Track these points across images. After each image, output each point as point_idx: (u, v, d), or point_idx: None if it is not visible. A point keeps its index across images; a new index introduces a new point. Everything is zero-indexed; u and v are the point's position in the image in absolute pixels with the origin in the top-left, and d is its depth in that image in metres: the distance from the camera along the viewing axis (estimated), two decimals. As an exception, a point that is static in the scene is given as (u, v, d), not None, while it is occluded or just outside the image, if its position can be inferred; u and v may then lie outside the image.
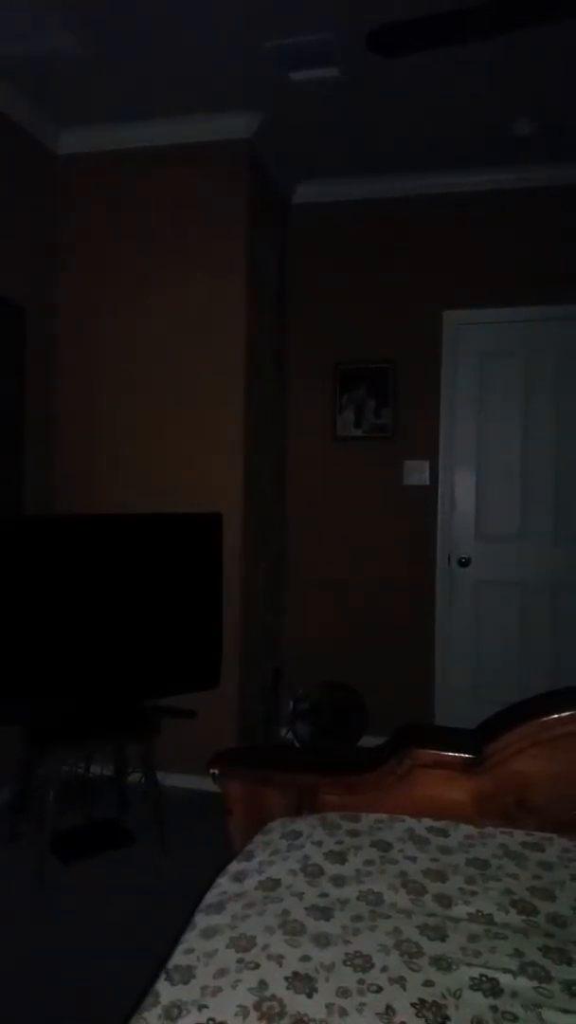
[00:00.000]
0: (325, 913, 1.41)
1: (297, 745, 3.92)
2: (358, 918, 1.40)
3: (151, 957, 2.16)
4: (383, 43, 2.16)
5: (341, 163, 3.94)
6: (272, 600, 4.10)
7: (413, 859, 1.63)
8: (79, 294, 3.72)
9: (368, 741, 3.85)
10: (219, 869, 1.72)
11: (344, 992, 1.19)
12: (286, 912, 1.42)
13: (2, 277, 3.31)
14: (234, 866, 1.65)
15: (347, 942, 1.32)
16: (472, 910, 1.44)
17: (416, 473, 4.11)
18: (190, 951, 1.33)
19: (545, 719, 1.83)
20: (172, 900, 2.55)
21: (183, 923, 1.51)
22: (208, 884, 1.62)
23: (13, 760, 3.14)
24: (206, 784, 3.08)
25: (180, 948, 1.35)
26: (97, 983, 2.20)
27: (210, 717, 3.35)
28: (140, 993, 1.27)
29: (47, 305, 3.66)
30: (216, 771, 2.04)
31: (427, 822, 1.80)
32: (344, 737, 3.80)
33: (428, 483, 4.10)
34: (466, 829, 1.77)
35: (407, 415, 4.12)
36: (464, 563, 4.07)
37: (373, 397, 4.16)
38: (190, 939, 1.37)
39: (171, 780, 3.41)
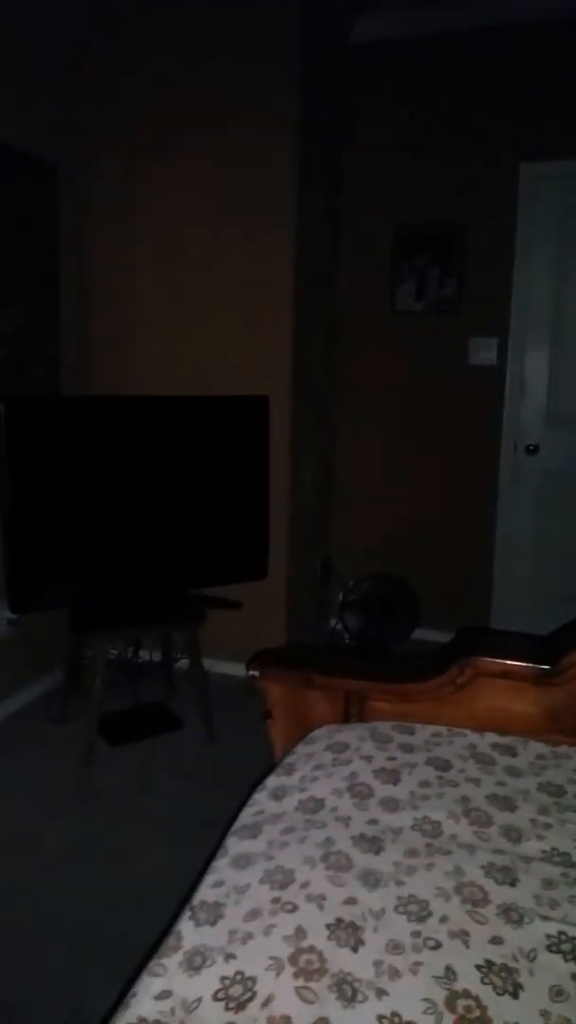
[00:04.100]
0: (374, 844, 1.24)
1: (346, 637, 3.78)
2: (412, 853, 1.22)
3: (195, 852, 2.11)
4: None
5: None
6: (321, 489, 3.87)
7: (476, 781, 1.44)
8: (113, 152, 3.33)
9: (420, 635, 3.69)
10: (264, 769, 1.58)
11: (396, 947, 1.02)
12: (329, 841, 1.24)
13: (30, 131, 2.94)
14: (272, 780, 1.49)
15: (400, 883, 1.14)
16: (546, 847, 1.24)
17: (483, 351, 3.73)
18: (219, 884, 1.17)
19: None
20: (217, 790, 2.53)
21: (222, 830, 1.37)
22: (243, 798, 1.46)
23: (64, 645, 3.08)
24: (252, 676, 3.01)
25: (208, 879, 1.19)
26: (141, 870, 2.14)
27: (258, 607, 3.20)
28: (161, 930, 1.12)
29: (79, 163, 3.28)
30: (255, 672, 1.87)
31: (491, 738, 1.61)
32: (395, 630, 3.63)
33: (495, 362, 3.72)
34: (537, 747, 1.57)
35: (475, 286, 3.70)
36: (532, 450, 3.75)
37: (437, 266, 3.74)
38: (220, 868, 1.21)
39: (220, 668, 3.31)
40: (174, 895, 1.89)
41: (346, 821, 1.30)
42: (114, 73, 3.30)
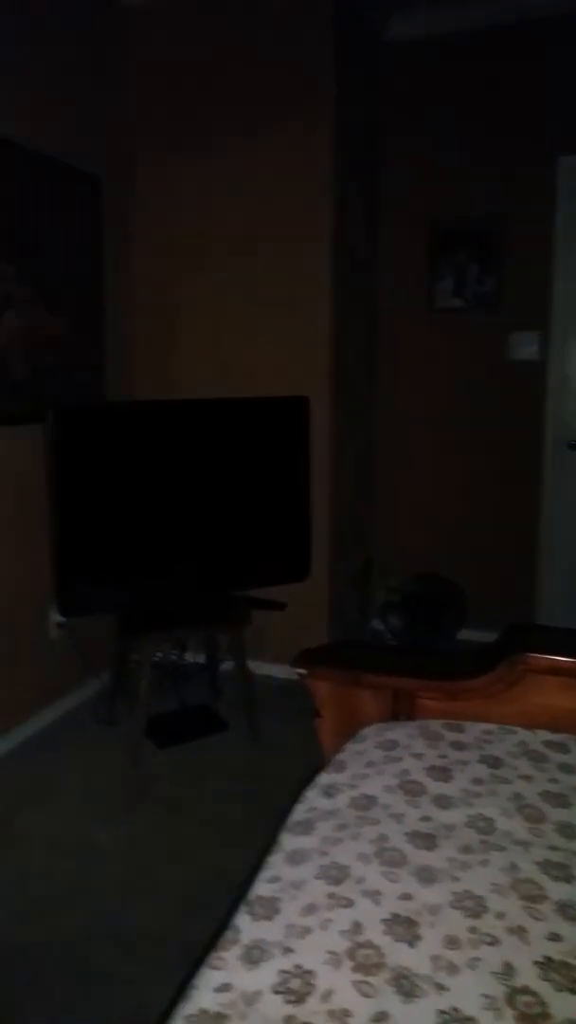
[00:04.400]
0: (428, 841, 1.24)
1: (389, 638, 3.77)
2: (467, 849, 1.22)
3: (243, 852, 2.14)
4: None
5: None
6: (362, 489, 3.87)
7: (528, 778, 1.43)
8: (152, 160, 3.38)
9: (464, 635, 3.66)
10: (311, 769, 1.58)
11: (452, 942, 1.02)
12: (383, 837, 1.25)
13: (74, 144, 3.00)
14: (324, 778, 1.49)
15: (455, 879, 1.14)
16: (602, 844, 1.23)
17: (524, 347, 3.70)
18: (275, 879, 1.18)
19: None
20: (263, 790, 2.55)
21: (273, 829, 1.38)
22: (295, 796, 1.47)
23: (111, 647, 3.15)
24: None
25: (264, 874, 1.20)
26: (189, 872, 2.16)
27: (300, 608, 3.21)
28: (218, 925, 1.14)
29: (121, 175, 3.32)
30: (303, 671, 1.88)
31: (543, 735, 1.59)
32: (439, 631, 3.61)
33: (537, 358, 3.68)
34: (589, 745, 1.55)
35: (514, 281, 3.67)
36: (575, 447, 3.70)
37: (475, 261, 3.72)
38: (275, 864, 1.22)
39: (263, 669, 3.33)
40: (223, 893, 1.92)
41: (399, 818, 1.30)
42: (152, 83, 3.35)
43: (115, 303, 3.31)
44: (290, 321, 3.30)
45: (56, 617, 3.00)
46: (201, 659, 3.38)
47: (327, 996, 0.94)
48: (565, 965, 0.98)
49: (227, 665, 3.28)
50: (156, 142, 3.37)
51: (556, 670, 1.67)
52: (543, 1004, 0.93)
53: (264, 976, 0.98)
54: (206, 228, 3.36)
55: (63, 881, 2.12)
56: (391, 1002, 0.93)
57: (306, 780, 1.53)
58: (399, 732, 1.63)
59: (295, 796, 1.47)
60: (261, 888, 1.16)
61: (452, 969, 0.97)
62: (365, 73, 3.53)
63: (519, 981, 0.95)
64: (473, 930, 1.04)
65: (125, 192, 3.35)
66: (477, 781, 1.42)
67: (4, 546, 2.77)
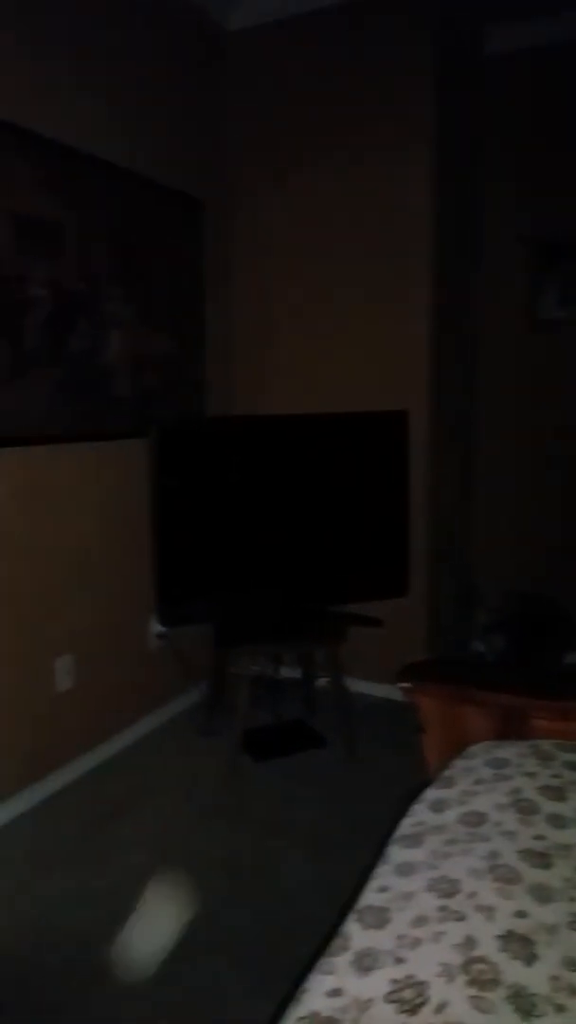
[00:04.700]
0: (543, 860, 1.19)
1: (490, 659, 3.68)
2: (584, 870, 1.17)
3: (340, 868, 2.13)
4: None
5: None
6: (461, 504, 3.81)
7: None
8: (252, 185, 3.46)
9: (572, 659, 3.54)
10: (410, 789, 1.56)
11: (572, 964, 0.98)
12: (494, 854, 1.21)
13: (178, 169, 3.11)
14: (432, 793, 1.47)
15: (572, 899, 1.10)
16: None
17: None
18: (384, 890, 1.16)
19: None
20: (360, 808, 2.52)
21: (374, 848, 1.37)
22: (400, 810, 1.45)
23: (209, 659, 3.20)
24: (395, 693, 2.96)
25: (372, 884, 1.19)
26: (286, 883, 2.16)
27: (398, 625, 3.17)
28: (328, 929, 1.13)
29: (222, 197, 3.43)
30: (407, 685, 1.85)
31: None
32: (543, 653, 3.50)
33: None
34: None
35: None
36: None
37: (581, 275, 3.63)
38: (384, 874, 1.21)
39: (357, 687, 3.31)
40: (319, 907, 1.91)
41: (511, 836, 1.27)
42: (252, 107, 3.43)
43: (215, 322, 3.40)
44: (388, 335, 3.29)
45: (156, 628, 3.08)
46: (296, 674, 3.38)
47: (441, 1008, 0.92)
48: None
49: (321, 681, 3.27)
50: (255, 164, 3.45)
51: None
52: None
53: (376, 984, 0.97)
54: (303, 247, 3.40)
55: (162, 886, 2.15)
56: (509, 1020, 0.90)
57: (410, 796, 1.51)
58: (509, 750, 1.58)
59: (397, 812, 1.46)
60: (370, 898, 1.15)
61: (573, 991, 0.93)
62: (466, 85, 3.52)
63: None
64: (594, 953, 0.99)
65: (226, 214, 3.45)
66: (593, 802, 1.36)
67: (109, 560, 2.86)
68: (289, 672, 3.42)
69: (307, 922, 1.91)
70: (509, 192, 3.69)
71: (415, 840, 1.29)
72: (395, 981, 0.97)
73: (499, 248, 3.74)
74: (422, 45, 3.11)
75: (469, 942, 1.02)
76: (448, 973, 0.97)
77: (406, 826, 1.36)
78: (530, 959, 0.99)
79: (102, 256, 2.73)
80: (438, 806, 1.40)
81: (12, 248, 2.35)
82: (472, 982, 0.96)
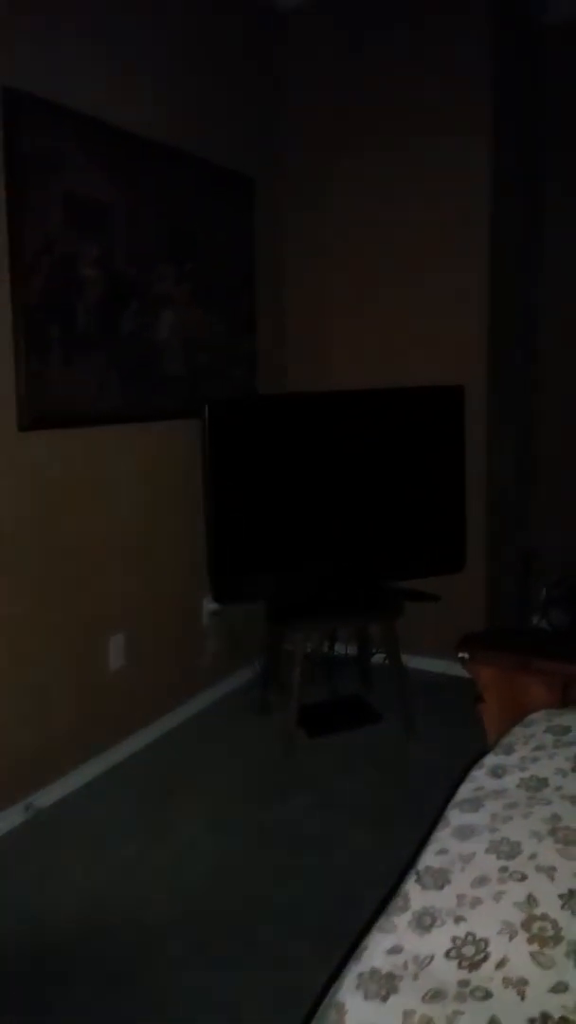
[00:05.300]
0: (606, 823, 1.17)
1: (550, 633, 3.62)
2: None
3: (399, 838, 2.12)
4: None
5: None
6: (520, 477, 3.73)
7: None
8: (304, 162, 3.43)
9: None
10: (469, 759, 1.55)
11: None
12: (556, 817, 1.20)
13: (231, 148, 3.10)
14: (491, 759, 1.45)
15: None
16: None
17: None
18: (443, 852, 1.16)
19: None
20: (416, 782, 2.51)
21: (433, 815, 1.36)
22: (459, 777, 1.44)
23: (263, 637, 3.20)
24: (452, 669, 2.94)
25: (431, 847, 1.18)
26: (342, 855, 2.16)
27: (456, 601, 3.14)
28: (387, 891, 1.13)
29: (274, 176, 3.39)
30: (466, 655, 1.83)
31: None
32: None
33: None
34: None
35: None
36: None
37: None
38: (443, 838, 1.20)
39: (414, 663, 3.27)
40: (375, 879, 1.91)
41: (573, 800, 1.25)
42: (306, 86, 3.39)
43: (267, 299, 3.39)
44: (446, 309, 3.23)
45: (210, 605, 3.10)
46: (352, 651, 3.37)
47: (502, 964, 0.91)
48: None
49: (377, 657, 3.26)
50: (309, 143, 3.41)
51: None
52: None
53: (436, 941, 0.97)
54: (356, 227, 3.36)
55: (217, 863, 2.16)
56: (572, 975, 0.89)
57: (470, 764, 1.50)
58: (570, 718, 1.55)
59: (458, 779, 1.44)
60: (429, 859, 1.15)
61: None
62: (525, 63, 3.40)
63: None
64: None
65: (278, 193, 3.42)
66: None
67: (162, 539, 2.88)
68: (343, 649, 3.42)
69: (367, 888, 1.91)
70: (572, 163, 3.56)
71: (475, 804, 1.28)
72: (456, 939, 0.97)
73: (562, 218, 3.62)
74: (476, 13, 3.03)
75: (531, 901, 1.01)
76: (509, 930, 0.96)
77: (465, 791, 1.35)
78: (593, 918, 0.97)
79: (153, 236, 2.73)
80: (498, 771, 1.39)
81: (65, 228, 2.38)
82: (533, 939, 0.95)
